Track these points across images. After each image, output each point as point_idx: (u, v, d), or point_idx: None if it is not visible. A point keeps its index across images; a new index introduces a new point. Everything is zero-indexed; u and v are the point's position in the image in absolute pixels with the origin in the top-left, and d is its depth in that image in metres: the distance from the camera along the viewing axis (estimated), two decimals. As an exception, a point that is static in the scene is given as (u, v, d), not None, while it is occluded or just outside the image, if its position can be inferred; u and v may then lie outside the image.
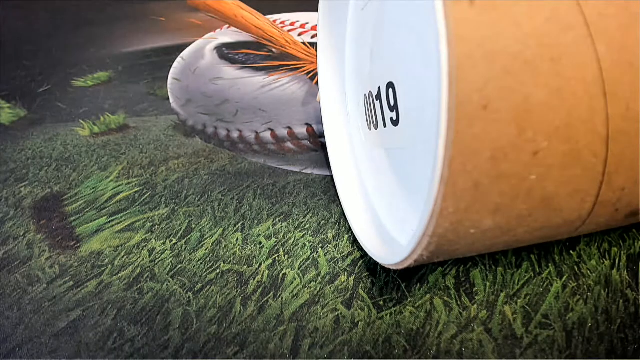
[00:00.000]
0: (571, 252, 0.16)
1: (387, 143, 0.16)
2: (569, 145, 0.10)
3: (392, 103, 0.14)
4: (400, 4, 0.14)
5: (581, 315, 0.14)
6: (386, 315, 0.15)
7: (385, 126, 0.15)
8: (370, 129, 0.17)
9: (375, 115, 0.16)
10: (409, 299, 0.15)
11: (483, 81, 0.09)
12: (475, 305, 0.15)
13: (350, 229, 0.17)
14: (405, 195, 0.15)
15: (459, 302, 0.15)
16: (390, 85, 0.14)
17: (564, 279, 0.15)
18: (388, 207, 0.16)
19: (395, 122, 0.14)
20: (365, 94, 0.17)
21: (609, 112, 0.10)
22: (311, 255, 0.16)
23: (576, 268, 0.16)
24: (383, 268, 0.16)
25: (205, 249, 0.17)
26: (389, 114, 0.15)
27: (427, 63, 0.12)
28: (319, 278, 0.16)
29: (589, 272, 0.15)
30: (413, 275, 0.16)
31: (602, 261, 0.16)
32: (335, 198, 0.19)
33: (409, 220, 0.14)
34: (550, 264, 0.16)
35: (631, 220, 0.13)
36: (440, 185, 0.10)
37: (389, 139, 0.15)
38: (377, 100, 0.15)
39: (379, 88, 0.15)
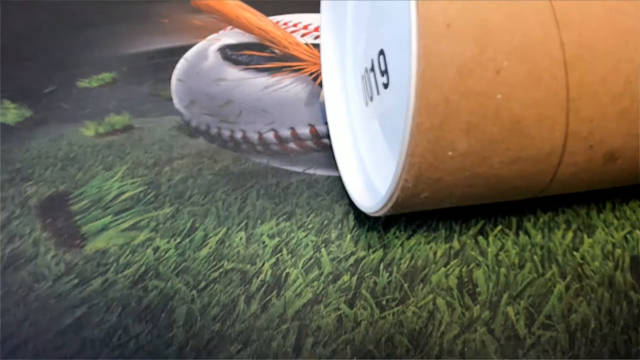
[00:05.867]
0: (574, 253, 0.16)
1: (379, 109, 0.17)
2: (528, 66, 0.11)
3: (383, 68, 0.16)
4: None
5: (584, 317, 0.14)
6: (389, 314, 0.15)
7: (378, 94, 0.16)
8: (367, 104, 0.18)
9: (370, 87, 0.17)
10: (412, 299, 0.15)
11: (446, 3, 0.11)
12: (478, 306, 0.15)
13: (352, 228, 0.17)
14: (392, 155, 0.16)
15: (461, 303, 0.15)
16: (381, 52, 0.16)
17: (567, 280, 0.15)
18: (378, 167, 0.17)
19: (386, 85, 0.16)
20: (362, 74, 0.18)
21: (562, 38, 0.11)
22: (314, 255, 0.16)
23: (579, 269, 0.16)
24: (385, 267, 0.16)
25: (209, 248, 0.17)
26: (381, 80, 0.16)
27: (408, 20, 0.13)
28: (322, 277, 0.16)
29: (592, 273, 0.15)
30: (416, 275, 0.16)
31: (605, 262, 0.16)
32: (338, 198, 0.19)
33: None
34: (553, 265, 0.16)
35: (611, 167, 0.14)
36: (414, 100, 0.11)
37: (381, 104, 0.16)
38: (371, 72, 0.17)
39: (372, 60, 0.17)
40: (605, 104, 0.12)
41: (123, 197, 0.19)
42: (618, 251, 0.16)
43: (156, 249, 0.17)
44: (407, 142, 0.12)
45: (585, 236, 0.17)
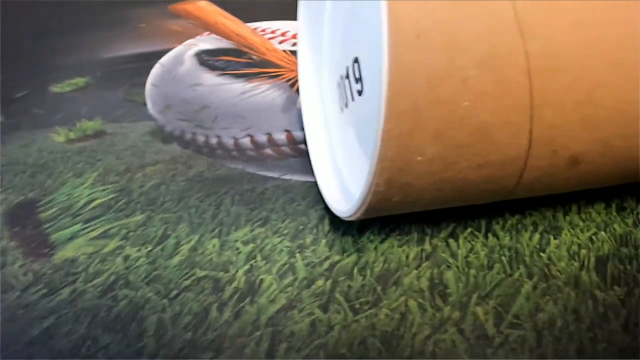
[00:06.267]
0: (541, 254, 0.17)
1: (354, 115, 0.17)
2: (494, 75, 0.12)
3: (357, 76, 0.16)
4: None
5: (551, 315, 0.15)
6: (362, 318, 0.15)
7: (353, 100, 0.17)
8: (342, 110, 0.18)
9: (345, 93, 0.17)
10: (385, 302, 0.15)
11: (415, 14, 0.11)
12: (449, 307, 0.15)
13: (327, 233, 0.17)
14: (367, 160, 0.16)
15: (432, 304, 0.15)
16: (355, 60, 0.16)
17: (534, 280, 0.16)
18: (353, 172, 0.18)
19: (360, 92, 0.16)
20: (337, 81, 0.19)
21: (527, 49, 0.12)
22: (289, 260, 0.16)
23: (546, 269, 0.16)
24: (359, 271, 0.16)
25: (182, 256, 0.17)
26: (356, 87, 0.16)
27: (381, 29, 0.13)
28: (296, 283, 0.16)
29: (558, 273, 0.16)
30: (389, 277, 0.16)
31: (571, 263, 0.16)
32: (313, 204, 0.19)
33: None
34: (521, 266, 0.16)
35: (575, 171, 0.14)
36: (385, 106, 0.11)
37: (356, 111, 0.17)
38: (346, 79, 0.17)
39: (347, 68, 0.17)
40: (568, 111, 0.13)
41: (93, 204, 0.19)
42: (583, 252, 0.17)
43: (126, 258, 0.17)
44: (378, 147, 0.12)
45: (551, 238, 0.17)
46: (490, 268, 0.16)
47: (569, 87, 0.12)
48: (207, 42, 0.29)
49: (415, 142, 0.12)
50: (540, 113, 0.12)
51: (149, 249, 0.17)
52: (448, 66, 0.11)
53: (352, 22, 0.17)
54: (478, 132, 0.12)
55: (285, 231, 0.18)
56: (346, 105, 0.18)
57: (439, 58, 0.11)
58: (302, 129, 0.22)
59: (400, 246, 0.17)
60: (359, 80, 0.16)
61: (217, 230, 0.18)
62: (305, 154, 0.21)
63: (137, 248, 0.17)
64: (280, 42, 0.29)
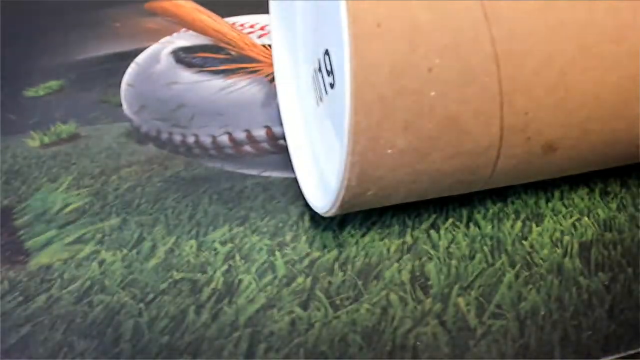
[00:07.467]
0: (523, 242, 0.16)
1: (330, 109, 0.17)
2: (460, 63, 0.11)
3: (329, 68, 0.16)
4: None
5: (534, 304, 0.15)
6: (343, 314, 0.15)
7: (326, 93, 0.16)
8: (318, 104, 0.18)
9: (319, 87, 0.17)
10: (366, 296, 0.15)
11: (375, 2, 0.11)
12: (430, 299, 0.15)
13: (308, 229, 0.17)
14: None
15: (414, 297, 0.15)
16: (326, 52, 0.16)
17: (516, 268, 0.16)
18: (332, 166, 0.17)
19: (332, 85, 0.16)
20: (312, 74, 0.18)
21: (492, 34, 0.12)
22: (268, 259, 0.16)
23: (528, 257, 0.16)
24: (340, 266, 0.16)
25: (158, 258, 0.16)
26: (328, 80, 0.16)
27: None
28: (276, 281, 0.16)
29: (541, 261, 0.16)
30: (370, 272, 0.16)
31: (554, 250, 0.16)
32: (294, 200, 0.18)
33: None
34: (503, 255, 0.16)
35: (552, 157, 0.14)
36: (350, 99, 0.11)
37: (331, 104, 0.16)
38: (319, 72, 0.17)
39: (319, 60, 0.17)
40: (539, 96, 0.12)
41: (68, 209, 0.18)
42: (566, 238, 0.16)
43: (102, 262, 0.16)
44: (347, 141, 0.12)
45: (533, 225, 0.17)
46: (472, 258, 0.16)
47: (538, 71, 0.12)
48: (184, 39, 0.28)
49: (384, 134, 0.12)
50: (511, 100, 0.12)
51: (125, 252, 0.17)
52: (411, 55, 0.11)
53: (321, 13, 0.17)
54: (448, 122, 0.12)
55: (265, 229, 0.17)
56: (321, 99, 0.17)
57: (401, 47, 0.11)
58: (282, 124, 0.21)
59: (382, 239, 0.17)
60: (330, 72, 0.15)
61: (194, 231, 0.17)
62: (286, 150, 0.20)
63: (112, 252, 0.17)
64: (260, 37, 0.28)
